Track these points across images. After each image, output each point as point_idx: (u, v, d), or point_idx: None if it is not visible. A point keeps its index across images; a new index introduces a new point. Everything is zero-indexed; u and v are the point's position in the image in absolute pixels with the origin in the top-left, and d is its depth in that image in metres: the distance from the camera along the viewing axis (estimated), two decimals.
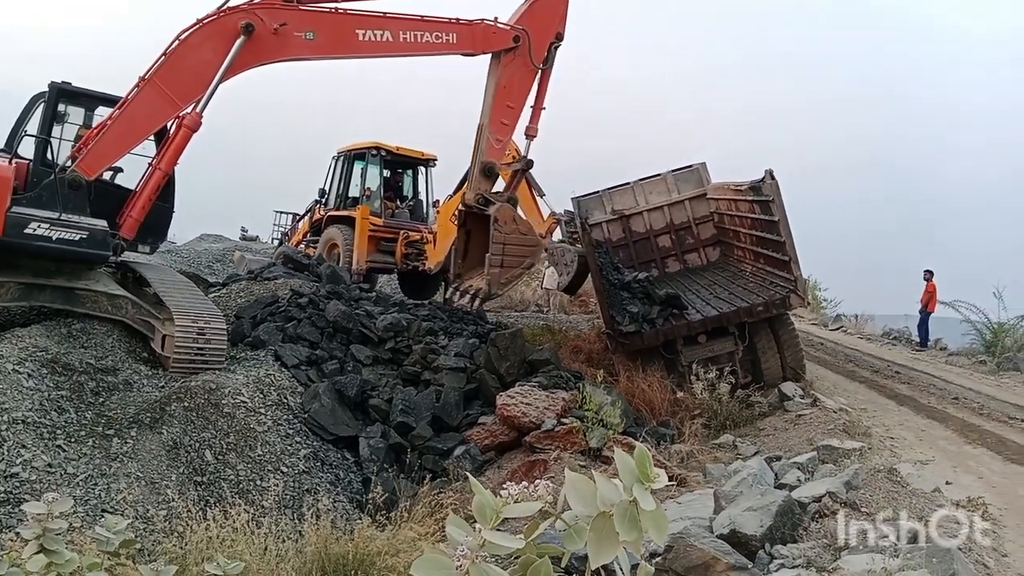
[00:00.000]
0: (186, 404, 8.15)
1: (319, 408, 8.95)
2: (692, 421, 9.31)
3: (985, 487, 7.16)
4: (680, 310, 11.21)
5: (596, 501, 1.31)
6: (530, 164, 13.47)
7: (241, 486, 7.56)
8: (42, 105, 10.16)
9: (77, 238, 9.27)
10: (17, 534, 3.27)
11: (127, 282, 10.53)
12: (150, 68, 9.94)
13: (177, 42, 10.02)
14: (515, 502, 1.36)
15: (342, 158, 18.37)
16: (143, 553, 5.69)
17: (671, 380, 10.54)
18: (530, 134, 13.14)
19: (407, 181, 19.12)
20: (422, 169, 18.79)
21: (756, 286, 12.03)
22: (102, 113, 10.43)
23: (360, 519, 6.66)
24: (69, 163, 9.71)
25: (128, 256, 10.90)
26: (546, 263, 18.83)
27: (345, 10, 11.20)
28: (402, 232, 17.38)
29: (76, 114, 10.62)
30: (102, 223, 9.60)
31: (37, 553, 2.35)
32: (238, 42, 10.11)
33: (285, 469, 8.02)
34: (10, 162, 9.70)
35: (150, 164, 10.31)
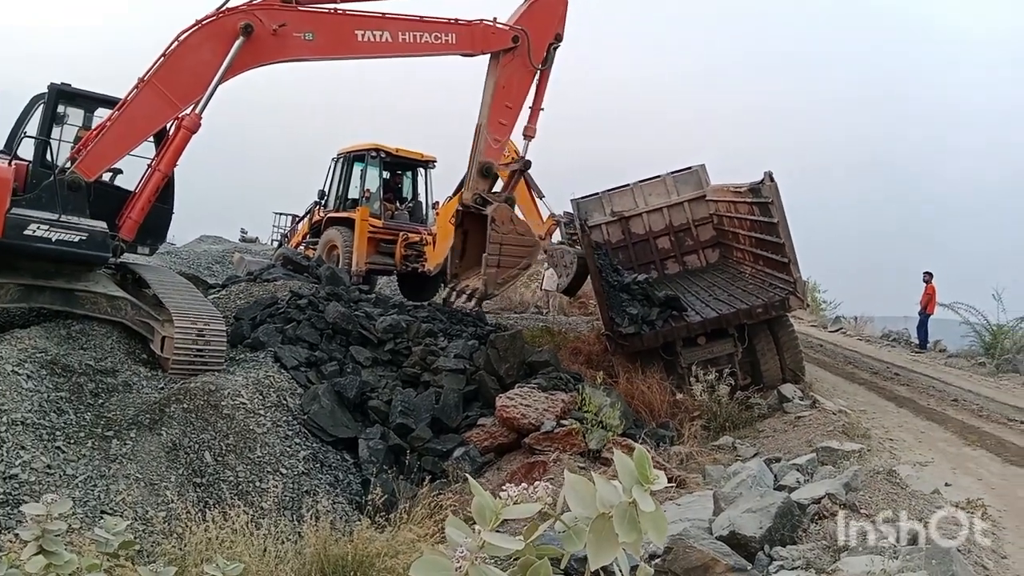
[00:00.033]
0: (185, 406, 8.14)
1: (318, 410, 8.94)
2: (691, 423, 9.31)
3: (984, 489, 7.16)
4: (679, 312, 11.22)
5: (595, 503, 1.31)
6: (528, 164, 13.48)
7: (240, 487, 7.56)
8: (41, 106, 10.16)
9: (76, 239, 9.26)
10: (16, 535, 3.27)
11: (126, 283, 10.53)
12: (149, 69, 9.94)
13: (176, 43, 10.02)
14: (514, 504, 1.36)
15: (341, 160, 18.38)
16: (142, 554, 5.69)
17: (670, 382, 10.55)
18: (528, 134, 13.15)
19: (406, 183, 19.12)
20: (421, 171, 18.78)
21: (755, 288, 12.04)
22: (101, 114, 10.43)
23: (359, 520, 6.66)
24: (68, 164, 9.71)
25: (127, 257, 10.89)
26: (545, 265, 18.84)
27: (344, 11, 11.21)
28: (401, 234, 17.38)
29: (75, 115, 10.61)
30: (101, 224, 9.59)
31: (36, 554, 2.35)
32: (237, 43, 10.11)
33: (284, 470, 8.02)
34: (10, 163, 9.70)
35: (149, 165, 10.31)
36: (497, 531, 1.31)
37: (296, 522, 6.50)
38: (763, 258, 12.24)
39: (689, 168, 16.10)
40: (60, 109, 10.31)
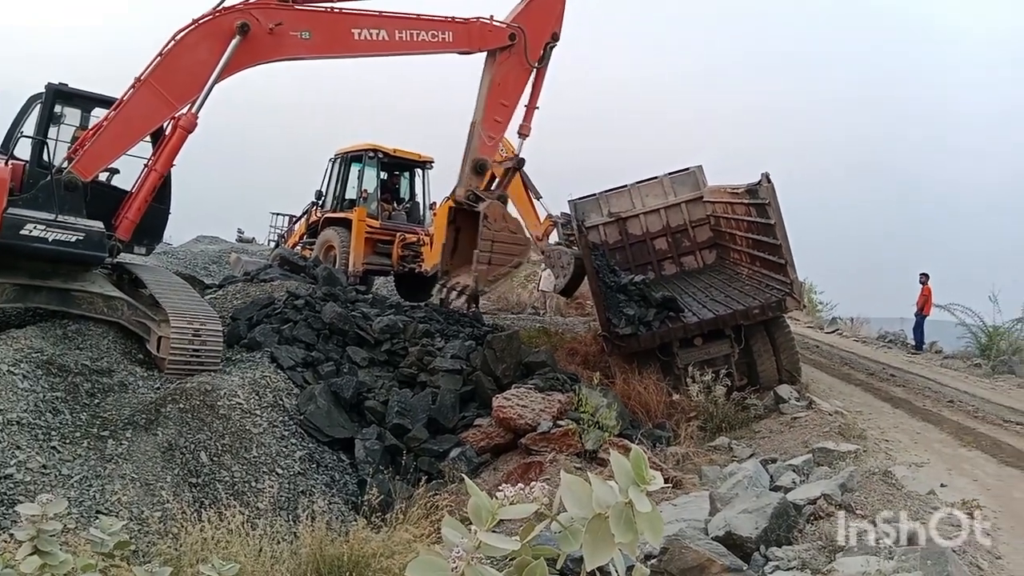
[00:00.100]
0: (181, 406, 8.13)
1: (315, 410, 8.93)
2: (688, 423, 9.33)
3: (980, 490, 7.18)
4: (676, 313, 11.23)
5: (592, 503, 1.31)
6: (521, 162, 13.46)
7: (236, 488, 7.55)
8: (38, 106, 10.15)
9: (73, 239, 9.24)
10: (11, 535, 3.26)
11: (123, 283, 10.50)
12: (146, 69, 9.92)
13: (172, 43, 10.01)
14: (511, 504, 1.36)
15: (339, 160, 18.36)
16: (138, 555, 5.68)
17: (667, 382, 10.56)
18: (523, 133, 13.16)
19: (404, 183, 19.10)
20: (419, 171, 18.77)
21: (752, 289, 12.06)
22: (98, 114, 10.41)
23: (355, 521, 6.66)
24: (65, 164, 9.70)
25: (124, 257, 10.87)
26: (543, 266, 18.84)
27: (341, 9, 11.20)
28: (399, 234, 17.36)
29: (72, 115, 10.60)
30: (98, 224, 9.58)
31: (31, 555, 2.34)
32: (234, 42, 10.10)
33: (280, 471, 8.00)
34: (6, 163, 9.68)
35: (146, 165, 10.29)
36: (493, 531, 1.31)
37: (292, 522, 6.50)
38: (760, 259, 12.26)
39: (686, 169, 16.11)
40: (57, 109, 10.30)
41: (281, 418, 8.72)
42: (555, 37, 12.66)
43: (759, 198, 11.37)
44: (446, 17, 11.84)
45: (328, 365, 9.99)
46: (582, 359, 12.47)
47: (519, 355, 10.33)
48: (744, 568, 4.62)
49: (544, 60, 12.67)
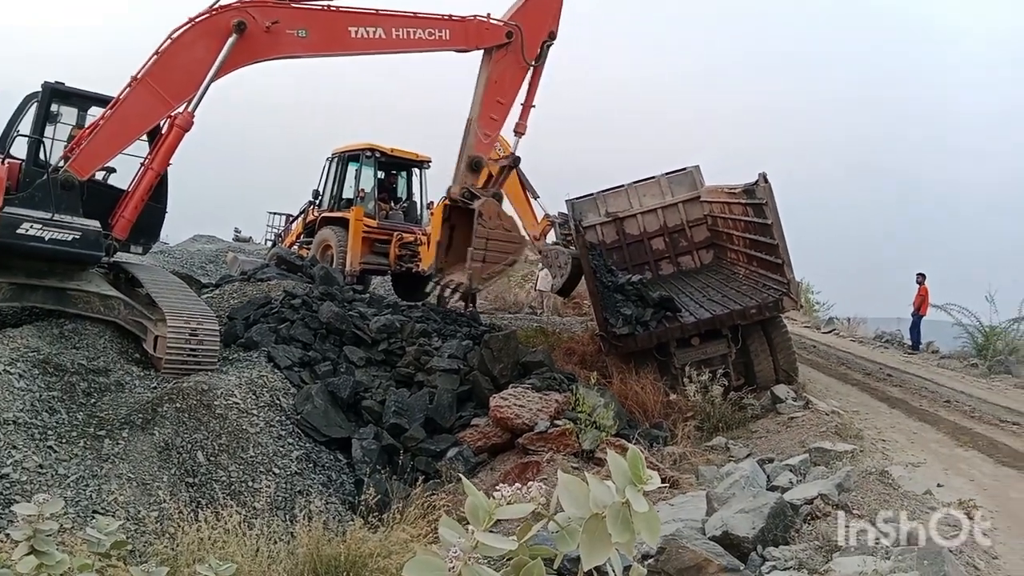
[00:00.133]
0: (178, 405, 8.11)
1: (312, 410, 8.92)
2: (685, 423, 9.33)
3: (976, 489, 7.20)
4: (673, 312, 11.25)
5: (589, 503, 1.31)
6: (517, 160, 13.46)
7: (233, 487, 7.54)
8: (35, 105, 10.13)
9: (70, 238, 9.22)
10: (7, 535, 3.26)
11: (119, 283, 10.49)
12: (142, 67, 9.90)
13: (169, 41, 9.98)
14: (508, 504, 1.36)
15: (336, 159, 18.35)
16: (134, 554, 5.67)
17: (664, 382, 10.57)
18: (519, 131, 13.16)
19: (401, 183, 19.09)
20: (416, 171, 18.75)
21: (749, 289, 12.07)
22: (95, 113, 10.39)
23: (352, 521, 6.66)
24: (62, 163, 9.67)
25: (120, 257, 10.86)
26: (540, 265, 18.84)
27: (337, 7, 11.18)
28: (396, 234, 17.35)
29: (69, 114, 10.59)
30: (95, 223, 9.56)
31: (28, 554, 2.34)
32: (230, 40, 10.08)
33: (277, 471, 7.99)
34: (2, 162, 9.65)
35: (142, 164, 10.28)
36: (490, 531, 1.31)
37: (289, 522, 6.50)
38: (757, 259, 12.28)
39: (683, 169, 16.12)
40: (53, 108, 10.28)
41: (278, 418, 8.71)
42: (552, 36, 12.67)
43: (756, 198, 11.38)
44: (443, 15, 11.83)
45: (325, 365, 9.98)
46: (579, 359, 12.47)
47: (516, 355, 10.33)
48: (741, 568, 4.62)
49: (541, 58, 12.68)
